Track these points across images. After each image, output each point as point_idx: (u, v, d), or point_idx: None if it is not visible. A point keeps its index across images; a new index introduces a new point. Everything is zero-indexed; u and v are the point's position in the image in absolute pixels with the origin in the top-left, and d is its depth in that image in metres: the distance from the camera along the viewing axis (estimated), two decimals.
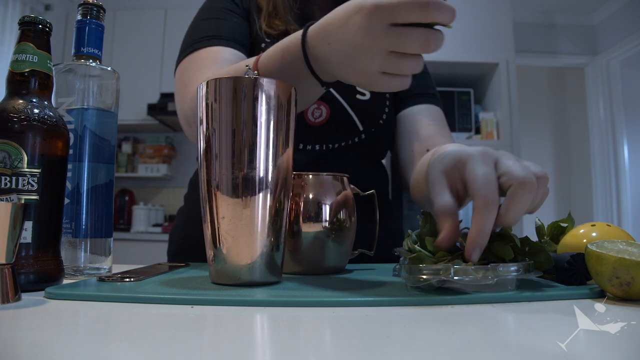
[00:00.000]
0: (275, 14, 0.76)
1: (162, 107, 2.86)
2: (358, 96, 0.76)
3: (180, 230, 0.82)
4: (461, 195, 0.45)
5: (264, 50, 0.68)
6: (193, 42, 0.72)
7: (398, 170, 0.81)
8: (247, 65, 0.49)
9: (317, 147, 0.74)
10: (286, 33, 0.71)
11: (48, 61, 0.46)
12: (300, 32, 0.50)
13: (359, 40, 0.43)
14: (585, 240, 0.49)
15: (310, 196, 0.52)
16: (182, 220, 0.83)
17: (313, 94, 0.55)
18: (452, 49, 2.53)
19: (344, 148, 0.75)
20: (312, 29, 0.49)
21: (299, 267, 0.52)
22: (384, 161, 0.88)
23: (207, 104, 0.44)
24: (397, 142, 0.81)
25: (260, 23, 0.76)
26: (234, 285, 0.42)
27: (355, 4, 0.44)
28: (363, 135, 0.76)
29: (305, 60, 0.49)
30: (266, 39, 0.76)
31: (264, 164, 0.43)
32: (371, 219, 0.59)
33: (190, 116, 0.65)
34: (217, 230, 0.43)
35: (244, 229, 0.42)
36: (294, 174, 0.53)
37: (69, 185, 0.52)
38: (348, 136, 0.75)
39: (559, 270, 0.43)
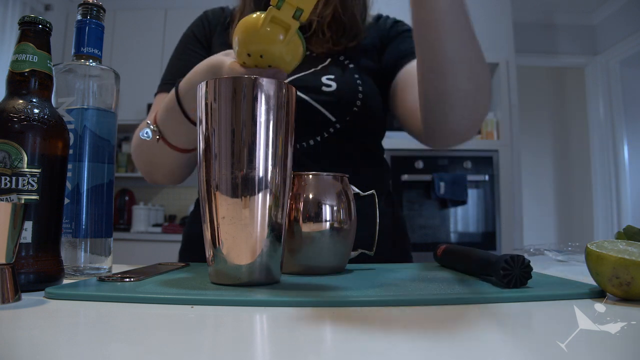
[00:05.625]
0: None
1: None
2: (324, 88, 0.76)
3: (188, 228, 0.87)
4: None
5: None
6: (159, 85, 0.83)
7: (407, 126, 0.80)
8: (147, 122, 0.67)
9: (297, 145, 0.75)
10: None
11: (48, 61, 0.46)
12: (174, 89, 0.65)
13: None
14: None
15: (310, 196, 0.52)
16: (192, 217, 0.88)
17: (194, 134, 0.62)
18: None
19: (321, 142, 0.75)
20: (181, 84, 0.63)
21: (299, 267, 0.52)
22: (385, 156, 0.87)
23: (206, 104, 0.44)
24: (398, 102, 0.80)
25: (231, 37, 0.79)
26: (234, 285, 0.42)
27: (215, 62, 0.59)
28: (338, 125, 0.75)
29: (180, 107, 0.63)
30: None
31: (263, 163, 0.43)
32: (371, 219, 0.59)
33: (135, 157, 0.81)
34: (216, 230, 0.43)
35: (243, 229, 0.42)
36: (294, 174, 0.53)
37: (69, 185, 0.52)
38: (322, 130, 0.76)
39: (496, 273, 0.42)
